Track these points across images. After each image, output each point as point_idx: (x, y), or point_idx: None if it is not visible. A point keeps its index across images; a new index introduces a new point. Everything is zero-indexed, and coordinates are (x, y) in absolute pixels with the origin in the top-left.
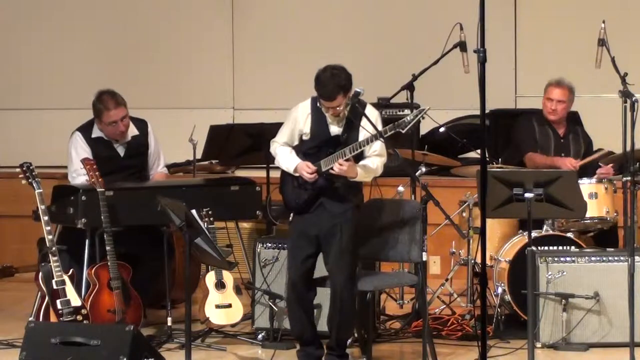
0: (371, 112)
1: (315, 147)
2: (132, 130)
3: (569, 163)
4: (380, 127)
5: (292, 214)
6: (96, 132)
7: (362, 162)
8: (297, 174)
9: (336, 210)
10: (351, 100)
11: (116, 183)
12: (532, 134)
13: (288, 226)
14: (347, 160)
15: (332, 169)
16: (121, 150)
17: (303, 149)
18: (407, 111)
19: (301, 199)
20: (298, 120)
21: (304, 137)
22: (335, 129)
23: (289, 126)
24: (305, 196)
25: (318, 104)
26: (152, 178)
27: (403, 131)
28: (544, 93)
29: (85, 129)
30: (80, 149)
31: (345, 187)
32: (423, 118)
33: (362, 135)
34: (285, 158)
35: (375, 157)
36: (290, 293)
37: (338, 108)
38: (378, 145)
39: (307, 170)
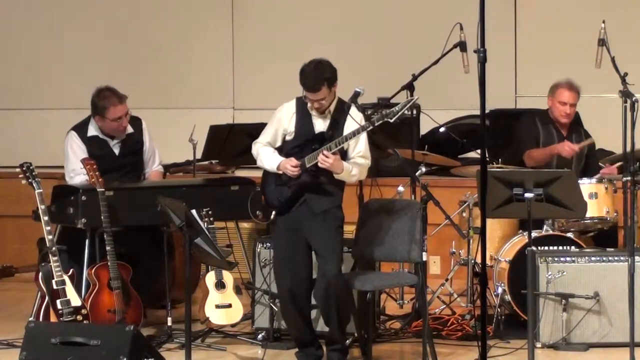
0: (355, 113)
1: (298, 146)
2: (127, 128)
3: (567, 147)
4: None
5: (273, 214)
6: (91, 131)
7: (350, 161)
8: (280, 172)
9: (320, 207)
10: (350, 100)
11: (116, 183)
12: (534, 134)
13: (272, 227)
14: (333, 153)
15: (317, 163)
16: (116, 149)
17: (286, 149)
18: (406, 112)
19: (283, 197)
20: (282, 120)
21: (288, 137)
22: (320, 127)
23: (273, 126)
24: (288, 193)
25: (304, 99)
26: (148, 176)
27: (392, 120)
28: (552, 94)
29: (80, 128)
30: (77, 148)
31: (329, 185)
32: (413, 110)
33: (347, 132)
34: (268, 157)
35: (360, 159)
36: (287, 297)
37: (322, 101)
38: (362, 147)
39: (291, 164)
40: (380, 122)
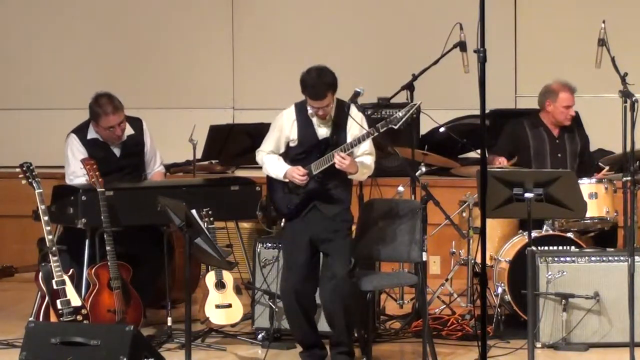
0: (356, 113)
1: (303, 152)
2: (128, 130)
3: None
4: (365, 128)
5: (283, 221)
6: (91, 134)
7: (357, 160)
8: (286, 180)
9: (330, 212)
10: (350, 100)
11: (116, 183)
12: (518, 141)
13: (282, 232)
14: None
15: (324, 169)
16: (117, 151)
17: (290, 156)
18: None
19: (293, 204)
20: (284, 128)
21: (291, 144)
22: (323, 132)
23: (275, 134)
24: (296, 201)
25: (308, 107)
26: (150, 178)
27: (395, 127)
28: (552, 99)
29: (80, 131)
30: (77, 151)
31: (337, 188)
32: (415, 115)
33: (351, 135)
34: (274, 165)
35: (367, 156)
36: (291, 300)
37: (327, 108)
38: (367, 145)
39: (298, 173)
40: (385, 128)
